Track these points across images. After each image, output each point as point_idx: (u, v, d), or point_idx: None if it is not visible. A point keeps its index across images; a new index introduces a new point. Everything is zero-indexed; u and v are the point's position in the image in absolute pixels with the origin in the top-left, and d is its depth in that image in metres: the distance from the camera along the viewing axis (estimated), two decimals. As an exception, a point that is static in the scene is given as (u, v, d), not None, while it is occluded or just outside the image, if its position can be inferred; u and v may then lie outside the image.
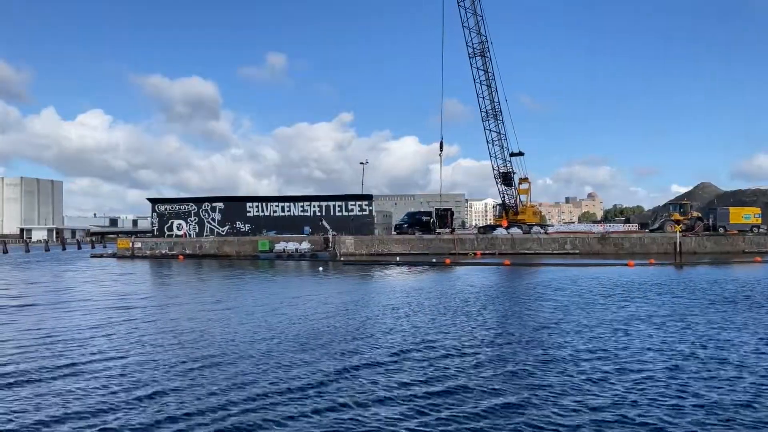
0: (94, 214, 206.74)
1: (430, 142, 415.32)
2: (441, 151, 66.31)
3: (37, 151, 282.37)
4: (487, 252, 58.77)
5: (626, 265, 42.85)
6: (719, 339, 15.91)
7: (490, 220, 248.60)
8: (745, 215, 62.50)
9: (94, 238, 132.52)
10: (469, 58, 62.90)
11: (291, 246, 58.41)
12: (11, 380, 12.05)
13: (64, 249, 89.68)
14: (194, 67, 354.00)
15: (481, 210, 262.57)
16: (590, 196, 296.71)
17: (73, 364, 13.39)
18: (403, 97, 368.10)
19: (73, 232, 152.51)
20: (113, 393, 11.16)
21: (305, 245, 58.66)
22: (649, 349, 14.73)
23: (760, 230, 61.83)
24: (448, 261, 47.68)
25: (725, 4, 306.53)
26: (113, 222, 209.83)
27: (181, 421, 9.61)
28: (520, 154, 67.52)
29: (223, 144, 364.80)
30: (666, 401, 10.50)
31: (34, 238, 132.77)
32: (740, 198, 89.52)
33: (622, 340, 15.83)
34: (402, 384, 11.63)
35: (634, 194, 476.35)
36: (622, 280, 32.38)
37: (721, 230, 61.34)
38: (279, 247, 58.62)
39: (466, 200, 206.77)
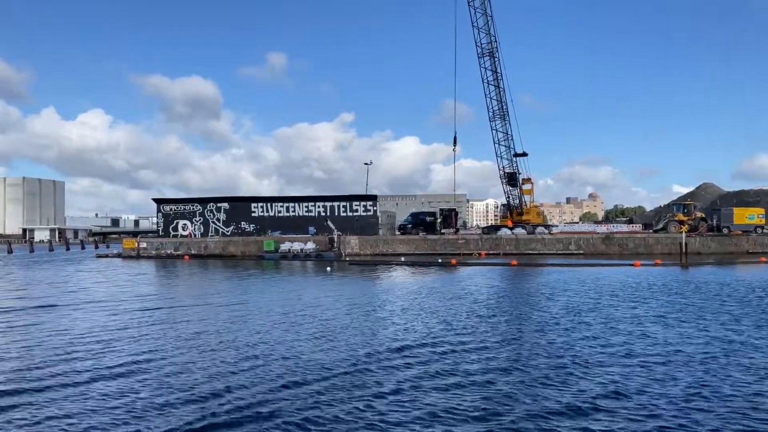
0: (96, 215, 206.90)
1: (431, 142, 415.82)
2: (455, 145, 66.73)
3: (37, 152, 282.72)
4: (491, 252, 58.90)
5: (632, 265, 43.03)
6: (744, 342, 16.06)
7: (491, 220, 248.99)
8: (749, 216, 62.65)
9: (96, 239, 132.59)
10: (478, 58, 63.17)
11: (296, 246, 58.58)
12: (60, 382, 12.11)
13: (68, 249, 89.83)
14: (194, 66, 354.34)
15: (482, 210, 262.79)
16: (591, 196, 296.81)
17: (120, 365, 13.50)
18: (403, 97, 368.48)
19: (75, 232, 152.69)
20: (162, 393, 11.33)
21: (310, 245, 58.83)
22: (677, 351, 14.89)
23: (764, 231, 61.97)
24: (454, 261, 47.84)
25: (725, 4, 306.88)
26: (115, 222, 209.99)
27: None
28: (524, 154, 67.72)
29: (223, 144, 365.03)
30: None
31: (36, 239, 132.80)
32: (743, 198, 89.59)
33: (652, 337, 16.00)
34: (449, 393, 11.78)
35: (635, 194, 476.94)
36: (631, 281, 32.51)
37: (725, 231, 61.47)
38: (284, 247, 58.79)
39: (468, 200, 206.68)
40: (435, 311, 21.57)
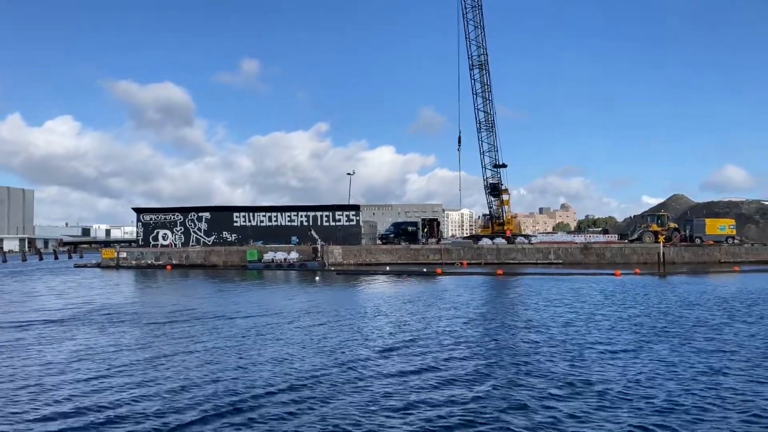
0: (66, 224, 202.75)
1: (407, 152, 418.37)
2: (459, 145, 68.30)
3: (2, 159, 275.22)
4: (473, 262, 59.69)
5: (613, 274, 44.22)
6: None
7: (466, 230, 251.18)
8: (720, 226, 64.76)
9: (69, 248, 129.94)
10: (469, 69, 64.46)
11: (280, 256, 58.53)
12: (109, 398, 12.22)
13: (41, 259, 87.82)
14: (166, 72, 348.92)
15: (457, 220, 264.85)
16: (563, 206, 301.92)
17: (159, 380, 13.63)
18: (379, 106, 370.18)
19: (46, 242, 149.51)
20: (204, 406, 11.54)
21: (294, 255, 58.83)
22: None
23: (735, 241, 64.13)
24: (439, 270, 48.47)
25: (696, 17, 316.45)
26: (86, 232, 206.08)
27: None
28: (504, 165, 69.16)
29: (196, 152, 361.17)
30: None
31: (5, 248, 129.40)
32: (713, 209, 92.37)
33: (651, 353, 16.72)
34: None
35: (607, 205, 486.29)
36: (613, 289, 33.50)
37: (698, 241, 63.40)
38: (268, 257, 58.67)
39: (443, 210, 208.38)
40: (446, 322, 22.04)
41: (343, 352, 15.82)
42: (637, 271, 46.94)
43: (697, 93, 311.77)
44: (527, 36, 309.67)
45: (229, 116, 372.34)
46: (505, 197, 69.59)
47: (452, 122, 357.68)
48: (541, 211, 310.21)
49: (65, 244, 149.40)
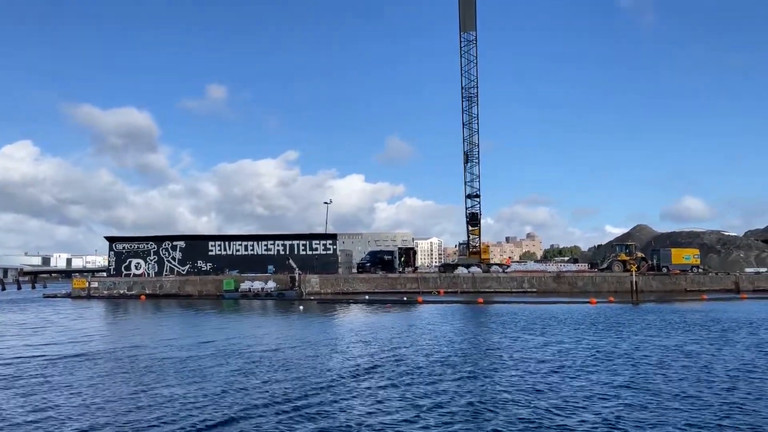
0: (26, 253, 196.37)
1: (376, 180, 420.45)
2: (466, 163, 68.39)
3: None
4: (449, 290, 60.38)
5: (589, 302, 45.42)
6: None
7: (435, 259, 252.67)
8: (685, 256, 67.14)
9: (30, 278, 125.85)
10: (462, 100, 66.31)
11: (257, 285, 58.23)
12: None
13: (3, 289, 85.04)
14: (128, 97, 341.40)
15: (427, 249, 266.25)
16: (529, 235, 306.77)
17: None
18: (349, 134, 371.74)
19: (5, 270, 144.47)
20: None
21: (271, 284, 58.61)
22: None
23: (699, 270, 66.54)
24: (420, 299, 48.94)
25: (651, 50, 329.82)
26: (46, 261, 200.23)
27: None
28: (477, 196, 70.68)
29: (160, 179, 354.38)
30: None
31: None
32: (676, 239, 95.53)
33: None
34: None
35: (572, 234, 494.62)
36: (591, 317, 34.49)
37: (665, 270, 65.54)
38: (245, 286, 58.29)
39: (413, 239, 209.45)
40: (448, 356, 22.45)
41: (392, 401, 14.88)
42: (612, 299, 48.29)
43: (654, 122, 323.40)
44: (491, 62, 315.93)
45: (195, 143, 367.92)
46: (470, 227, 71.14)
47: (421, 152, 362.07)
48: (507, 240, 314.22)
49: (25, 273, 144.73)
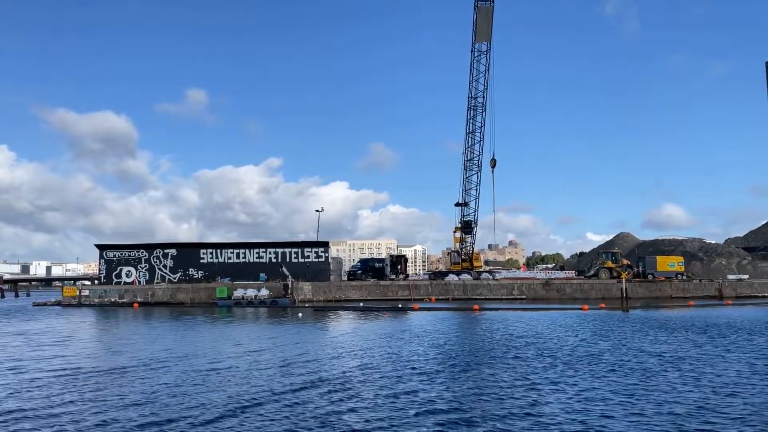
0: (4, 261, 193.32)
1: (360, 188, 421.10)
2: (493, 168, 69.40)
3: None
4: (441, 297, 61.00)
5: (581, 309, 46.34)
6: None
7: (419, 266, 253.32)
8: (670, 263, 68.72)
9: (8, 286, 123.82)
10: (468, 110, 67.71)
11: (250, 292, 58.18)
12: None
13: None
14: (105, 101, 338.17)
15: (411, 256, 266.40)
16: (512, 243, 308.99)
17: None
18: (332, 141, 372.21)
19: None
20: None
21: (264, 292, 58.62)
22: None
23: (684, 277, 68.10)
24: (416, 306, 49.48)
25: (638, 62, 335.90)
26: (25, 269, 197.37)
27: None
28: (465, 204, 71.80)
29: (140, 185, 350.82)
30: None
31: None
32: (659, 247, 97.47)
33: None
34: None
35: (554, 242, 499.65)
36: (592, 323, 35.29)
37: (650, 277, 66.96)
38: (238, 293, 58.22)
39: (397, 246, 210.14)
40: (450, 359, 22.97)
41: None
42: (603, 306, 49.28)
43: (635, 130, 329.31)
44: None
45: (175, 148, 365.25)
46: (457, 234, 72.10)
47: (404, 157, 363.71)
48: (490, 247, 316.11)
49: (5, 281, 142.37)
